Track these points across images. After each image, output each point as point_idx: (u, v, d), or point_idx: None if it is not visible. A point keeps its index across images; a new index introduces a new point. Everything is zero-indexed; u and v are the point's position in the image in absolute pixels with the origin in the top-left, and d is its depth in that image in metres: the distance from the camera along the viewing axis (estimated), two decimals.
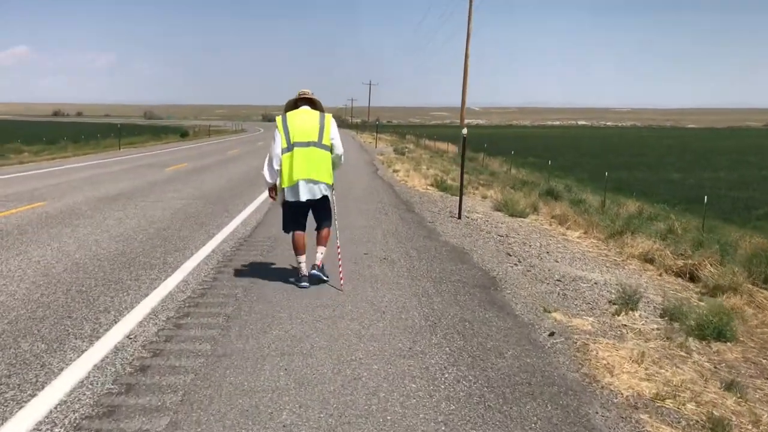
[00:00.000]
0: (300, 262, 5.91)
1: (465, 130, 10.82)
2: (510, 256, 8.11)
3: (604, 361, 4.46)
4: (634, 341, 5.04)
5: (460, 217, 10.95)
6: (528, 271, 7.28)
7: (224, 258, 7.09)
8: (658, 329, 5.48)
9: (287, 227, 5.98)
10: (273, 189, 5.98)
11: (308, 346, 4.28)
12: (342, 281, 5.94)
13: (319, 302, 5.40)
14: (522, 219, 11.96)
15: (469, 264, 7.29)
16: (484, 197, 15.05)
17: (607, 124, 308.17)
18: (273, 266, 6.73)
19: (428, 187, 16.23)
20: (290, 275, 6.27)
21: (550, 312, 5.56)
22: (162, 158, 25.76)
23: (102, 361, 3.97)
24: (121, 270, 6.40)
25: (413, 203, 12.77)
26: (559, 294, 6.29)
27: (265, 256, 7.26)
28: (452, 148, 40.86)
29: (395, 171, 20.32)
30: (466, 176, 21.14)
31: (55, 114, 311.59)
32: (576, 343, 4.77)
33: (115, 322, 4.72)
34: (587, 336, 4.99)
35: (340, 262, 6.06)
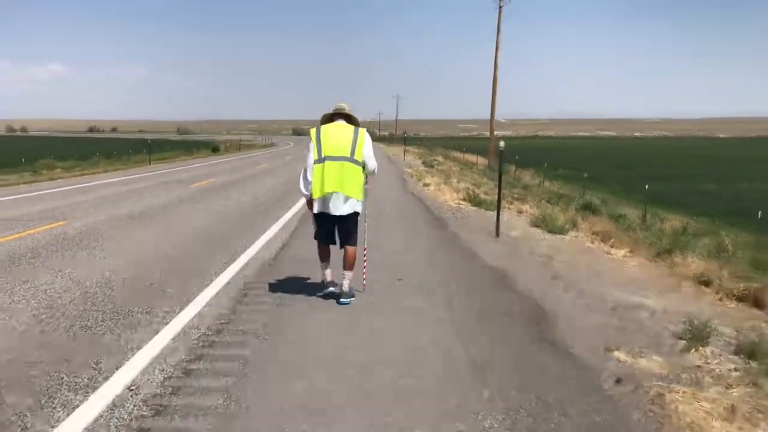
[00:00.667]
0: (324, 269, 5.99)
1: (502, 143, 10.13)
2: (556, 279, 7.42)
3: (688, 419, 3.75)
4: (714, 389, 4.30)
5: (498, 236, 10.26)
6: (579, 298, 6.58)
7: (245, 286, 6.50)
8: (737, 371, 4.73)
9: (317, 235, 6.00)
10: (310, 201, 5.83)
11: (337, 404, 3.64)
12: (364, 282, 6.18)
13: (349, 342, 4.77)
14: (562, 236, 11.22)
15: (514, 291, 6.60)
16: (520, 212, 14.31)
17: (635, 134, 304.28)
18: (297, 297, 6.10)
19: (461, 202, 15.56)
20: (316, 306, 5.68)
21: (611, 350, 4.86)
22: (190, 174, 25.50)
23: (95, 422, 3.37)
24: (133, 301, 5.85)
25: (446, 220, 12.11)
26: (617, 327, 5.57)
27: (289, 283, 6.65)
28: (481, 161, 40.10)
29: (425, 185, 19.67)
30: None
31: (91, 130, 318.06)
32: (649, 392, 4.06)
33: (117, 368, 4.13)
34: (659, 382, 4.27)
35: (365, 263, 6.22)
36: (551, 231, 11.55)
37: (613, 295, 6.90)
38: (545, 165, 28.00)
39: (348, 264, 5.85)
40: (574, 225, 12.25)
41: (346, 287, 5.82)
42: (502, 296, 6.33)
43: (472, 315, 5.59)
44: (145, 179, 22.05)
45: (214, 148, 59.80)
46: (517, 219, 13.03)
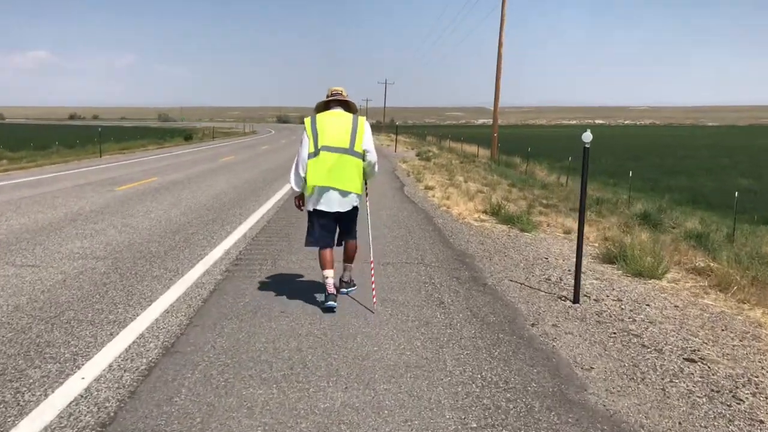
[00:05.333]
0: (326, 277, 5.26)
1: (588, 135, 5.75)
2: None
3: None
4: None
5: (577, 301, 5.89)
6: None
7: None
8: None
9: (310, 241, 5.34)
10: (300, 198, 5.32)
11: None
12: (375, 301, 5.34)
13: None
14: (660, 284, 6.98)
15: None
16: (568, 232, 9.95)
17: (625, 122, 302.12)
18: None
19: (482, 217, 11.15)
20: None
21: None
22: (134, 169, 20.89)
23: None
24: None
25: (474, 257, 7.70)
26: None
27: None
28: (482, 152, 35.75)
29: (428, 188, 15.10)
30: (519, 194, 15.95)
31: (72, 117, 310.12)
32: None
33: None
34: None
35: (373, 278, 5.56)
36: (638, 274, 7.29)
37: None
38: (569, 159, 23.46)
39: (349, 258, 5.56)
40: (658, 258, 7.92)
41: (346, 278, 5.52)
42: None
43: None
44: (72, 177, 17.46)
45: (186, 137, 56.24)
46: (570, 247, 8.66)
